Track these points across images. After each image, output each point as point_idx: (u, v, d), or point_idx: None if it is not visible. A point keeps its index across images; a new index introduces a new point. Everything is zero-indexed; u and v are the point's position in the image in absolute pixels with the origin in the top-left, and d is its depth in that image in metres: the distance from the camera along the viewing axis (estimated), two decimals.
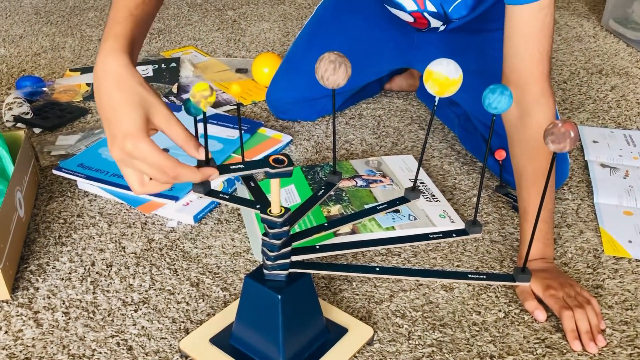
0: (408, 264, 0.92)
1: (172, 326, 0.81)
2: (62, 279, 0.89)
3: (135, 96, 0.61)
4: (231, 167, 0.66)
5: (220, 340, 0.77)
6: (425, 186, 1.06)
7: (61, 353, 0.77)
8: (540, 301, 0.83)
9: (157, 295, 0.86)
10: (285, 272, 0.71)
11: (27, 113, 1.31)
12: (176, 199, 1.02)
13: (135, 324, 0.81)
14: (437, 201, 1.02)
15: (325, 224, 0.74)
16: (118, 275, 0.90)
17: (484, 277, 0.70)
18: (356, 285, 0.88)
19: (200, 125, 1.18)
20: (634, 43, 1.72)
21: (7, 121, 1.30)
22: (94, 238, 0.98)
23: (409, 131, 1.29)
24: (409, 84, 1.44)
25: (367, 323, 0.80)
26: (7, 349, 0.77)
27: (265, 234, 0.69)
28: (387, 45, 1.23)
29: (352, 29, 1.24)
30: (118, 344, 0.78)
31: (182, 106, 1.30)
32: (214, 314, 0.83)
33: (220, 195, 0.70)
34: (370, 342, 0.78)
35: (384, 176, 1.09)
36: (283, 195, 1.04)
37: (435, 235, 0.72)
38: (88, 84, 1.48)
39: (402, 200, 0.74)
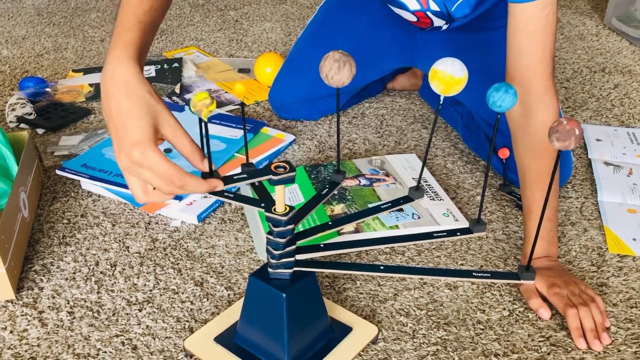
0: (412, 263, 0.92)
1: (177, 325, 0.81)
2: (67, 278, 0.89)
3: (144, 105, 0.62)
4: (235, 177, 0.66)
5: (224, 339, 0.77)
6: (429, 185, 1.06)
7: (66, 352, 0.77)
8: (544, 299, 0.83)
9: (161, 295, 0.86)
10: (290, 271, 0.71)
11: (30, 114, 1.31)
12: (180, 198, 1.02)
13: (139, 324, 0.81)
14: (440, 200, 1.02)
15: (330, 223, 0.74)
16: (122, 274, 0.90)
17: (489, 275, 0.70)
18: (360, 284, 0.88)
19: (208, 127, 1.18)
20: (637, 41, 1.72)
21: (10, 122, 1.30)
22: (97, 238, 0.98)
23: (412, 130, 1.29)
24: (411, 83, 1.44)
25: (371, 322, 0.80)
26: (12, 349, 0.78)
27: (269, 233, 0.69)
28: (390, 44, 1.23)
29: (354, 28, 1.24)
30: (123, 343, 0.79)
31: (185, 105, 1.31)
32: (218, 313, 0.83)
33: (225, 194, 0.70)
34: (374, 341, 0.78)
35: (387, 175, 1.09)
36: (287, 194, 1.04)
37: (439, 234, 0.72)
38: (91, 85, 1.48)
39: (406, 199, 0.74)
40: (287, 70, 1.32)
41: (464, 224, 0.96)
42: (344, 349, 0.76)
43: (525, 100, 0.86)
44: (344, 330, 0.78)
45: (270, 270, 0.71)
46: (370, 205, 0.98)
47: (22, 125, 1.29)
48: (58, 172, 1.09)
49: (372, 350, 0.77)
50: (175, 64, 1.57)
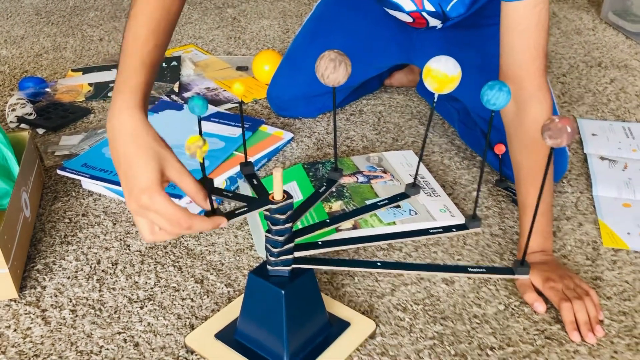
0: (409, 259, 0.93)
1: (178, 322, 0.83)
2: (69, 277, 0.91)
3: (150, 151, 0.65)
4: (236, 212, 0.69)
5: (225, 336, 0.78)
6: (426, 181, 1.08)
7: (69, 350, 0.79)
8: (539, 293, 0.84)
9: (162, 292, 0.88)
10: (289, 268, 0.72)
11: (31, 114, 1.32)
12: (179, 197, 1.03)
13: (141, 321, 0.83)
14: (437, 196, 1.03)
15: (327, 220, 0.75)
16: (123, 273, 0.91)
17: (484, 270, 0.71)
18: (358, 280, 0.89)
19: (205, 125, 1.19)
20: (633, 35, 1.73)
21: (10, 122, 1.31)
22: (99, 237, 0.99)
23: (410, 127, 1.30)
24: (409, 79, 1.45)
25: (369, 317, 0.82)
26: (16, 347, 0.79)
27: (268, 231, 0.70)
28: (387, 41, 1.24)
29: (352, 26, 1.25)
30: (125, 340, 0.80)
31: (184, 104, 1.32)
32: (218, 310, 0.84)
33: (224, 193, 0.72)
34: (372, 336, 0.80)
35: (384, 172, 1.10)
36: None
37: (435, 230, 0.73)
38: (90, 84, 1.49)
39: (403, 196, 0.75)
40: (285, 68, 1.33)
41: (460, 219, 0.97)
42: (343, 344, 0.77)
43: (518, 98, 0.87)
44: (342, 325, 0.79)
45: (269, 267, 0.72)
46: (368, 202, 0.99)
47: (22, 125, 1.31)
48: (59, 171, 1.10)
49: (370, 345, 0.78)
50: (174, 63, 1.58)
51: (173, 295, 0.87)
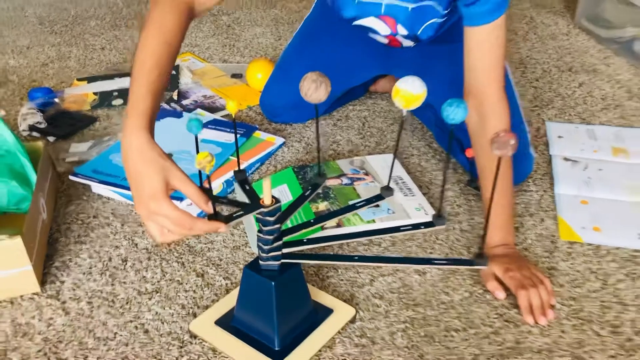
0: (387, 252, 1.05)
1: (182, 311, 0.94)
2: (84, 273, 1.02)
3: (156, 165, 0.76)
4: (234, 215, 0.80)
5: (224, 322, 0.90)
6: (404, 182, 1.19)
7: (87, 336, 0.90)
8: (500, 282, 0.95)
9: (167, 285, 0.99)
10: (278, 263, 0.83)
11: (41, 123, 1.43)
12: (181, 199, 1.14)
13: (150, 310, 0.94)
14: (413, 196, 1.14)
15: (312, 220, 0.86)
16: (133, 268, 1.03)
17: (446, 262, 0.83)
18: (341, 272, 1.00)
19: (203, 132, 1.30)
20: (604, 41, 1.83)
21: (23, 130, 1.42)
22: (109, 236, 1.10)
23: (392, 131, 1.41)
24: (392, 85, 1.55)
25: (350, 304, 0.93)
26: (41, 334, 0.90)
27: (259, 231, 0.81)
28: (368, 55, 1.35)
29: (335, 42, 1.36)
30: (136, 327, 0.91)
31: (183, 112, 1.42)
32: (217, 300, 0.95)
33: (220, 199, 0.83)
34: (352, 321, 0.91)
35: (366, 174, 1.21)
36: (276, 194, 1.16)
37: (405, 228, 0.84)
38: (95, 93, 1.59)
39: (378, 197, 0.86)
40: (276, 77, 1.44)
41: None
42: (326, 328, 0.89)
43: (480, 110, 0.98)
44: (326, 312, 0.91)
45: (261, 262, 0.84)
46: (350, 203, 1.10)
47: (33, 133, 1.41)
48: (71, 177, 1.21)
49: (350, 329, 0.90)
50: (172, 71, 1.68)
51: (177, 288, 0.98)
